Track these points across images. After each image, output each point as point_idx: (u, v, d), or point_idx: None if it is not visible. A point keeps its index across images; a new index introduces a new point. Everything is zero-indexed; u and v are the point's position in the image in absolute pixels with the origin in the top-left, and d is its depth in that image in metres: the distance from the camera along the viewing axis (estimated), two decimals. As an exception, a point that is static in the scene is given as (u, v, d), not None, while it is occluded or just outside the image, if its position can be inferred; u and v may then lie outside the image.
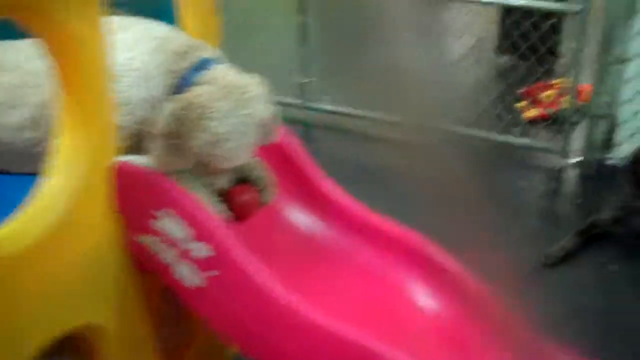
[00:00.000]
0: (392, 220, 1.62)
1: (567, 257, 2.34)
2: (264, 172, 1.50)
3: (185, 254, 1.34)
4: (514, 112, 3.23)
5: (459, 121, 2.89)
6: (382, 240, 1.59)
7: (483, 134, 3.06)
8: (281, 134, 1.58)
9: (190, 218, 1.32)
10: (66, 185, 1.24)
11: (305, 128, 3.31)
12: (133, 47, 1.38)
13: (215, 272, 1.33)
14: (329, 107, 3.35)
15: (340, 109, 3.32)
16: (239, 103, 1.32)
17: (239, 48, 1.80)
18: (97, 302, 1.35)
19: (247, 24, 3.79)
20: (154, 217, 1.34)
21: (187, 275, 1.35)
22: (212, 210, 1.34)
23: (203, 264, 1.33)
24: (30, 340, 1.19)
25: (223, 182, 1.40)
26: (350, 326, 1.30)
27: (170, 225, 1.34)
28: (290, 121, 3.29)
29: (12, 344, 1.16)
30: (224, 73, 1.37)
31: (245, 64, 1.44)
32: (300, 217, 1.62)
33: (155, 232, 1.35)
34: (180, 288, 1.37)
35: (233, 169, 1.40)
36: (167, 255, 1.36)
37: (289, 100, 3.31)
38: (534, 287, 1.95)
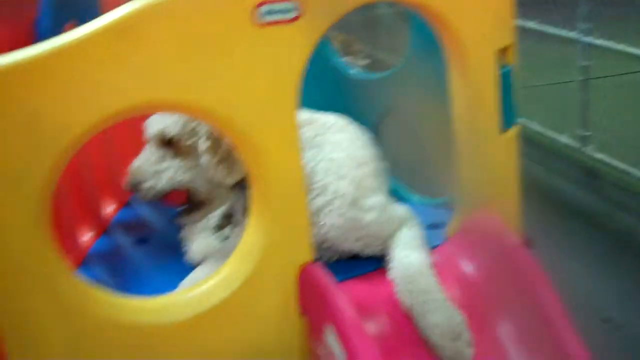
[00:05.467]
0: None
1: None
2: None
3: (345, 381, 1.23)
4: None
5: None
6: None
7: None
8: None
9: (345, 341, 1.20)
10: (240, 271, 1.27)
11: None
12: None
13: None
14: None
15: None
16: None
17: None
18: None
19: None
20: (325, 329, 1.27)
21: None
22: (367, 333, 1.20)
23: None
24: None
25: None
26: None
27: (333, 342, 1.24)
28: None
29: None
30: None
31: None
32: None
33: (325, 345, 1.28)
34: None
35: None
36: (334, 375, 1.27)
37: None
38: None
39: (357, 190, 1.46)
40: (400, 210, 1.52)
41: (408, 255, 1.42)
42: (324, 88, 1.59)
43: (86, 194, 1.79)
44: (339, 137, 1.53)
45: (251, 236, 1.28)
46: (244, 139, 1.20)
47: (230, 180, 1.47)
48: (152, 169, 1.49)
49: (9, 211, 1.10)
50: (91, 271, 1.63)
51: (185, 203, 1.54)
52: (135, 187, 1.49)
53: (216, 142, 1.44)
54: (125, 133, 2.00)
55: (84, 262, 1.68)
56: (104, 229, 1.84)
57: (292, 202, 1.26)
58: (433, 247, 1.46)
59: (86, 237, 1.77)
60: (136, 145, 1.55)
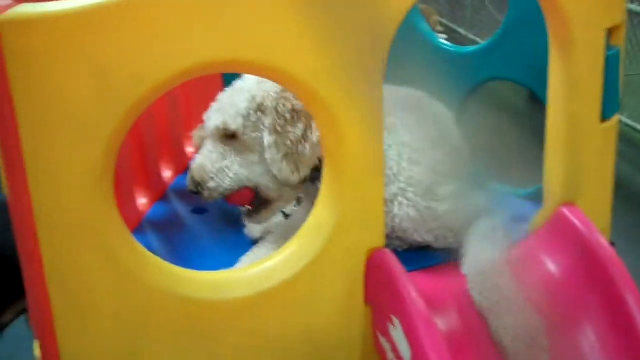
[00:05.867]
0: None
1: None
2: None
3: (410, 379, 1.13)
4: None
5: None
6: None
7: None
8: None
9: (412, 336, 1.11)
10: (305, 251, 1.18)
11: None
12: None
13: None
14: None
15: None
16: None
17: None
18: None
19: None
20: (391, 321, 1.17)
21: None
22: (437, 329, 1.10)
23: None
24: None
25: None
26: None
27: (399, 336, 1.15)
28: None
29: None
30: None
31: None
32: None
33: (389, 338, 1.18)
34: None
35: None
36: (397, 371, 1.17)
37: None
38: None
39: (432, 177, 1.36)
40: (478, 199, 1.40)
41: (484, 250, 1.30)
42: (406, 58, 1.48)
43: (146, 158, 1.72)
44: (410, 116, 1.42)
45: (321, 215, 1.19)
46: (324, 110, 1.10)
47: (296, 178, 1.35)
48: (215, 167, 1.36)
49: (73, 164, 1.02)
50: (145, 238, 1.56)
51: (250, 202, 1.42)
52: (198, 188, 1.37)
53: (282, 136, 1.33)
54: (189, 98, 1.93)
55: (138, 227, 1.62)
56: (160, 195, 1.78)
57: (368, 182, 1.16)
58: (514, 242, 1.35)
59: (142, 201, 1.71)
60: (200, 111, 1.47)
